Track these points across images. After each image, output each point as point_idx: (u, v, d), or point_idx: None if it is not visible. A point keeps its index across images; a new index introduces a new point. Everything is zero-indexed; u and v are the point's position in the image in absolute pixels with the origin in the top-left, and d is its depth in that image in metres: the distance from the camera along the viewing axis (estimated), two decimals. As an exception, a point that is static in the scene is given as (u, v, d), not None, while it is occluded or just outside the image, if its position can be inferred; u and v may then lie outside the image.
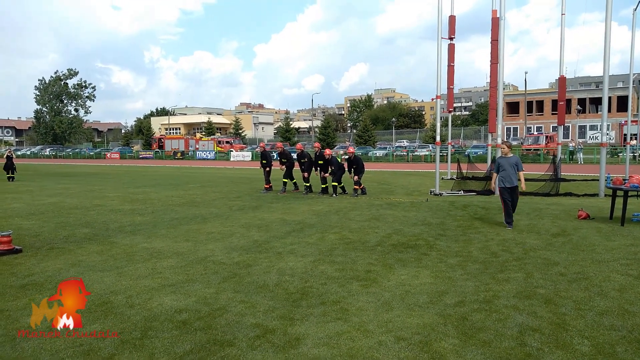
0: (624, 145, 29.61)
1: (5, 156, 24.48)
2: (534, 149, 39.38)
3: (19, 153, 69.60)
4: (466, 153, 37.73)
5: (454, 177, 19.93)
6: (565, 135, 54.23)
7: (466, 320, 4.48)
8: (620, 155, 33.67)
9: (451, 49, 19.65)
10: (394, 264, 6.53)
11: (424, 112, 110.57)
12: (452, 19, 19.41)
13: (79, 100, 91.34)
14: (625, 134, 36.71)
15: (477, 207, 12.11)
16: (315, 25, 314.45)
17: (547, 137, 43.33)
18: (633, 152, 30.33)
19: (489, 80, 17.64)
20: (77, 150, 72.42)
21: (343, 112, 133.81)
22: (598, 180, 14.97)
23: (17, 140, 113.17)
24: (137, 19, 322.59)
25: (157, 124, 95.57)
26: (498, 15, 16.05)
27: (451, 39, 19.38)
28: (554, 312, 4.67)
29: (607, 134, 14.95)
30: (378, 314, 4.68)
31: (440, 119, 17.66)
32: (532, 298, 5.10)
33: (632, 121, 24.90)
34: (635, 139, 35.58)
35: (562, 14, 18.76)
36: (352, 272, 6.13)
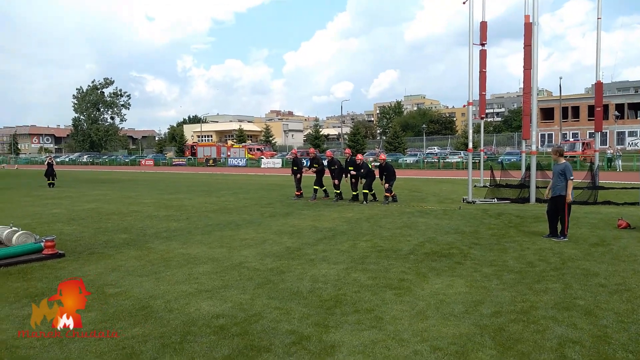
0: (666, 152, 28.55)
1: (46, 163, 25.41)
2: (570, 156, 38.38)
3: (57, 160, 72.06)
4: (499, 160, 37.08)
5: (487, 184, 19.62)
6: (603, 142, 52.62)
7: (503, 331, 4.43)
8: (662, 162, 32.46)
9: (483, 55, 19.43)
10: (427, 273, 6.49)
11: (454, 119, 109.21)
12: (483, 25, 19.21)
13: (115, 109, 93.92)
14: (667, 140, 35.43)
15: (512, 215, 11.90)
16: (345, 32, 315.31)
17: (583, 143, 42.21)
18: (675, 159, 29.20)
19: (522, 85, 17.37)
20: (112, 157, 74.46)
21: (372, 119, 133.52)
22: (638, 188, 14.50)
23: (56, 147, 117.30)
24: (170, 29, 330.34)
25: (189, 131, 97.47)
26: (531, 21, 15.79)
27: (483, 44, 19.18)
28: (595, 325, 4.56)
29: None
30: (413, 323, 4.67)
31: (472, 126, 17.46)
32: (571, 309, 4.99)
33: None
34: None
35: (598, 18, 18.29)
36: (386, 281, 6.13)
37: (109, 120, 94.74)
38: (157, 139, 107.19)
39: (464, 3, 16.21)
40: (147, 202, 16.22)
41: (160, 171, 46.24)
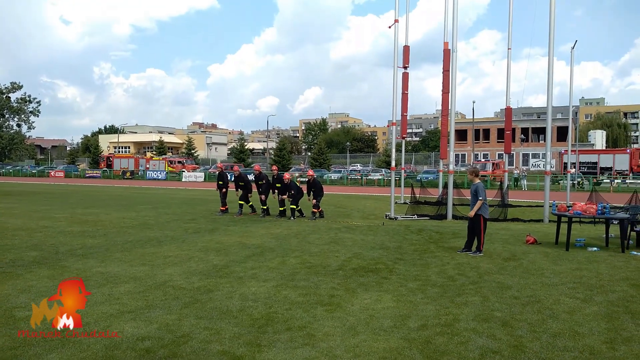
0: (564, 173, 31.37)
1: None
2: (482, 175, 40.94)
3: (-48, 169, 65.43)
4: (418, 178, 38.80)
5: (407, 201, 20.41)
6: (510, 163, 56.79)
7: (430, 344, 4.61)
8: (561, 182, 35.59)
9: (405, 77, 20.34)
10: (356, 288, 6.62)
11: (376, 137, 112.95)
12: (406, 49, 20.16)
13: (22, 115, 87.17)
14: (565, 163, 38.94)
15: (431, 231, 12.46)
16: (271, 47, 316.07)
17: (493, 164, 45.25)
18: (572, 180, 32.17)
19: (439, 107, 18.42)
20: (18, 167, 68.84)
21: (298, 135, 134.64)
22: (542, 206, 15.76)
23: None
24: (87, 34, 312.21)
25: (105, 141, 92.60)
26: (450, 47, 16.83)
27: (405, 68, 20.09)
28: (512, 335, 4.88)
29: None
30: (345, 338, 4.73)
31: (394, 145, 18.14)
32: (490, 321, 5.30)
33: (571, 151, 26.48)
34: (574, 167, 37.75)
35: (508, 49, 19.90)
36: (316, 297, 6.17)
37: (15, 127, 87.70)
38: (68, 149, 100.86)
39: (389, 27, 16.96)
40: (58, 216, 15.14)
41: (72, 183, 43.47)
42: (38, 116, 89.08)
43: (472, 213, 9.27)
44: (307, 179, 15.49)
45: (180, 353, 4.34)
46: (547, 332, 4.96)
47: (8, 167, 68.86)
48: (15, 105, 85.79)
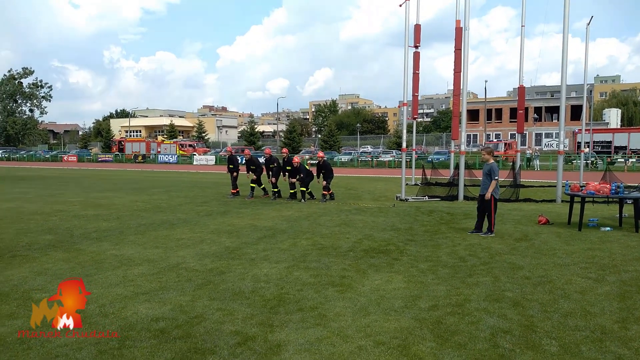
0: (578, 153, 31.00)
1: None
2: (494, 156, 40.61)
3: (-32, 155, 66.39)
4: (429, 159, 38.59)
5: (418, 182, 20.34)
6: (522, 143, 56.12)
7: (441, 324, 4.63)
8: (574, 162, 35.19)
9: (416, 57, 20.05)
10: (367, 269, 6.65)
11: (387, 118, 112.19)
12: (417, 27, 19.83)
13: (34, 101, 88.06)
14: (578, 142, 38.45)
15: (443, 212, 12.43)
16: (281, 28, 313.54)
17: (505, 144, 44.83)
18: (586, 160, 31.78)
19: (450, 87, 18.18)
20: (31, 152, 69.66)
21: (308, 117, 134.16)
22: (554, 186, 15.61)
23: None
24: (97, 18, 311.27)
25: (116, 126, 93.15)
26: (462, 26, 16.52)
27: (416, 47, 19.79)
28: (523, 315, 4.89)
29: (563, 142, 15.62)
30: (356, 319, 4.77)
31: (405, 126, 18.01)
32: (501, 301, 5.31)
33: (585, 130, 26.11)
34: (588, 146, 37.25)
35: (522, 26, 19.50)
36: (327, 278, 6.21)
37: (28, 112, 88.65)
38: (81, 133, 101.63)
39: (400, 6, 16.69)
40: (72, 200, 15.34)
41: (85, 168, 43.90)
42: (50, 101, 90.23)
43: (488, 195, 9.16)
44: (317, 161, 15.48)
45: (194, 333, 4.41)
46: (559, 312, 4.96)
47: (22, 152, 69.72)
48: (27, 90, 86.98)
